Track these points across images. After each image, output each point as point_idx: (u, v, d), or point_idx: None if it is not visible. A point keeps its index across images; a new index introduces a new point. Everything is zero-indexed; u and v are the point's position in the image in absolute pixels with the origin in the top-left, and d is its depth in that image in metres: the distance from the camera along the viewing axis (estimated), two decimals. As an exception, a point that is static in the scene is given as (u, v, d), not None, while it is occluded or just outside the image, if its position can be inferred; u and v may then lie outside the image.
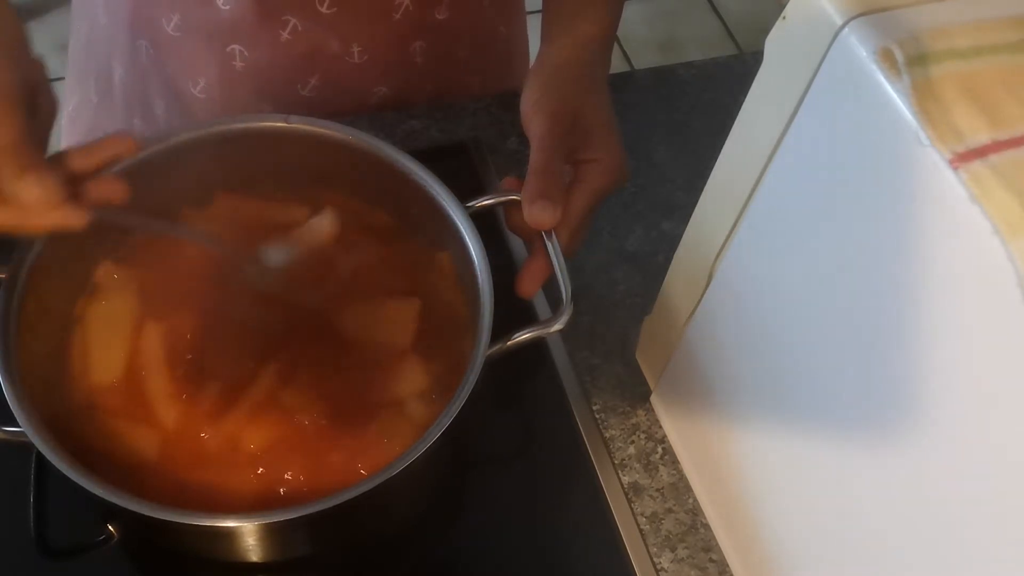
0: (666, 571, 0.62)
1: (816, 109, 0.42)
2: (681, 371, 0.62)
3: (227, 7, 0.73)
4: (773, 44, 0.44)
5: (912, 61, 0.37)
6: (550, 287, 0.60)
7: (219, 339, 0.60)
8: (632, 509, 0.64)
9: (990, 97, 0.37)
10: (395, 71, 0.80)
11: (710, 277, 0.55)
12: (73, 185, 0.49)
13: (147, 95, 0.81)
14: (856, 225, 0.42)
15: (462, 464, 0.66)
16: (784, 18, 0.42)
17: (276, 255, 0.63)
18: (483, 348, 0.55)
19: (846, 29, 0.39)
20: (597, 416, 0.67)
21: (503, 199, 0.62)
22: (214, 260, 0.64)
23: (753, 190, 0.48)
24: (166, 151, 0.62)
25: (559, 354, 0.69)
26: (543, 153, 0.61)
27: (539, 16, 0.71)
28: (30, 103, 0.47)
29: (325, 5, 0.73)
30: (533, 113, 0.63)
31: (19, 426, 0.51)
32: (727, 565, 0.62)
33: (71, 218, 0.48)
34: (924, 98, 0.37)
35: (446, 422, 0.53)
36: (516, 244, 0.72)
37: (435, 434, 0.52)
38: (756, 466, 0.57)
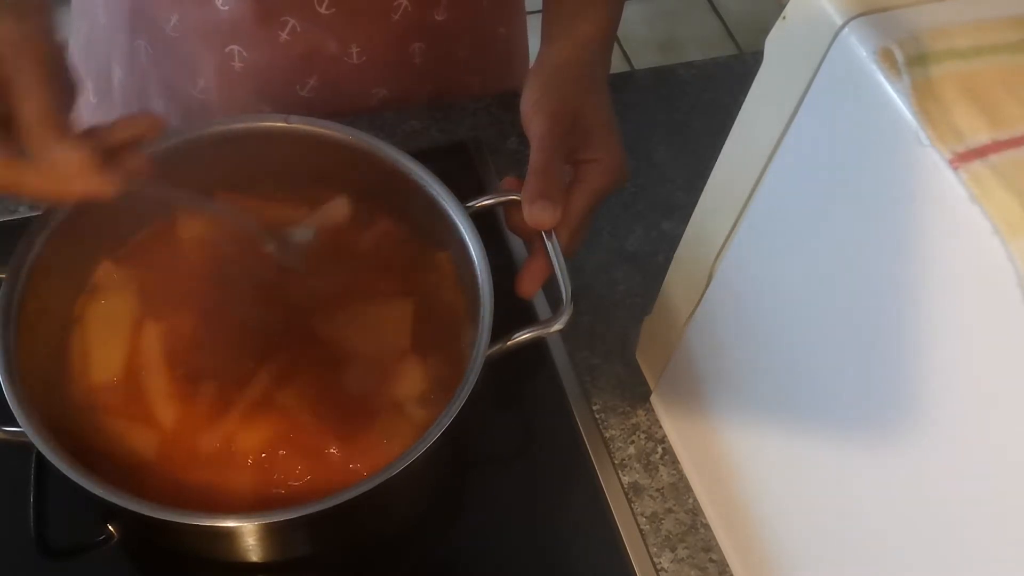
0: (666, 571, 0.62)
1: (816, 109, 0.42)
2: (681, 371, 0.62)
3: (226, 7, 0.73)
4: (773, 44, 0.44)
5: (912, 61, 0.37)
6: (550, 287, 0.60)
7: (218, 339, 0.60)
8: (632, 509, 0.64)
9: (990, 97, 0.37)
10: (394, 72, 0.80)
11: (710, 277, 0.55)
12: (103, 157, 0.50)
13: (146, 95, 0.81)
14: (856, 225, 0.42)
15: (462, 464, 0.66)
16: (784, 18, 0.42)
17: (301, 234, 0.63)
18: (483, 348, 0.55)
19: (846, 29, 0.39)
20: (597, 416, 0.67)
21: (503, 199, 0.62)
22: (214, 260, 0.64)
23: (753, 190, 0.48)
24: (166, 151, 0.62)
25: (559, 354, 0.69)
26: (543, 153, 0.61)
27: (539, 16, 0.71)
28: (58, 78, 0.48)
29: (324, 6, 0.73)
30: (533, 113, 0.63)
31: (19, 426, 0.51)
32: (727, 565, 0.62)
33: (104, 185, 0.48)
34: (924, 98, 0.37)
35: (446, 422, 0.53)
36: (516, 244, 0.72)
37: (435, 434, 0.52)
38: (756, 466, 0.57)
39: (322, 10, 0.73)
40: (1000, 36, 0.38)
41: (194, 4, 0.74)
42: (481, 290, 0.58)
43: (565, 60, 0.66)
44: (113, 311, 0.61)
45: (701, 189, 0.54)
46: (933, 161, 0.36)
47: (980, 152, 0.35)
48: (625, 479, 0.65)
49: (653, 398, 0.68)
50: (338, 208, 0.65)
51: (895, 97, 0.37)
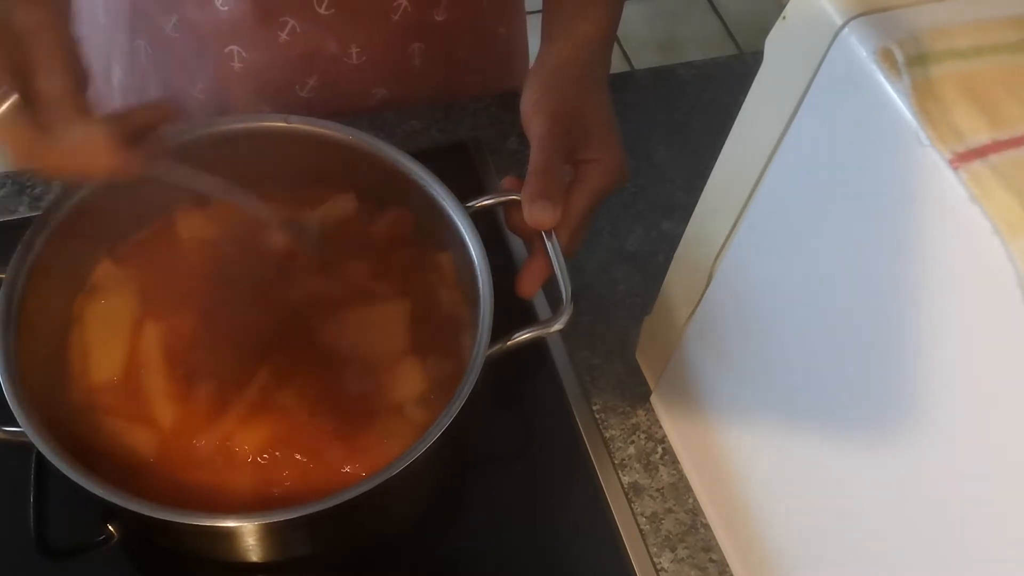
0: (666, 571, 0.62)
1: (816, 109, 0.42)
2: (681, 371, 0.62)
3: (225, 8, 0.73)
4: (773, 44, 0.44)
5: (912, 61, 0.37)
6: (550, 287, 0.60)
7: (218, 339, 0.60)
8: (632, 509, 0.64)
9: (990, 97, 0.37)
10: (394, 72, 0.80)
11: (710, 277, 0.55)
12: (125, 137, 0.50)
13: (146, 96, 0.81)
14: (856, 225, 0.42)
15: (462, 464, 0.66)
16: (784, 18, 0.42)
17: (316, 224, 0.63)
18: (483, 348, 0.55)
19: (846, 29, 0.39)
20: (597, 416, 0.67)
21: (503, 199, 0.62)
22: (213, 260, 0.64)
23: (753, 190, 0.48)
24: (167, 150, 0.62)
25: (559, 354, 0.69)
26: (543, 153, 0.61)
27: (539, 16, 0.71)
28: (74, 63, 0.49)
29: (323, 6, 0.73)
30: (533, 113, 0.63)
31: (19, 426, 0.51)
32: (727, 565, 0.62)
33: (127, 162, 0.49)
34: (924, 98, 0.37)
35: (446, 423, 0.53)
36: (516, 244, 0.72)
37: (435, 435, 0.52)
38: (756, 466, 0.57)
39: (322, 10, 0.73)
40: (1000, 36, 0.38)
41: (194, 4, 0.74)
42: (481, 290, 0.58)
43: (565, 60, 0.66)
44: (113, 311, 0.61)
45: (701, 189, 0.54)
46: (933, 161, 0.36)
47: (980, 152, 0.35)
48: (625, 479, 0.65)
49: (653, 398, 0.68)
50: (343, 204, 0.65)
51: (895, 97, 0.37)
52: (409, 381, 0.60)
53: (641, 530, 0.63)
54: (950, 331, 0.38)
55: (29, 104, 0.45)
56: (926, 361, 0.40)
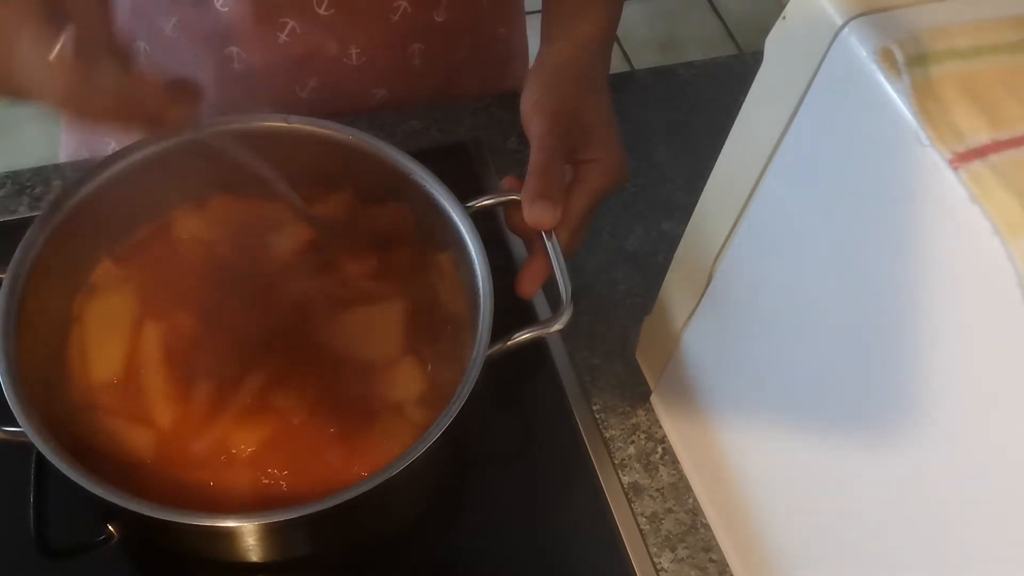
0: (666, 571, 0.62)
1: (816, 109, 0.42)
2: (681, 371, 0.62)
3: (225, 9, 0.73)
4: (773, 44, 0.44)
5: (912, 61, 0.37)
6: (550, 287, 0.60)
7: (217, 339, 0.60)
8: (632, 509, 0.64)
9: (990, 97, 0.37)
10: (393, 73, 0.80)
11: (710, 277, 0.55)
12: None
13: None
14: (856, 225, 0.42)
15: (462, 464, 0.66)
16: (784, 18, 0.42)
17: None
18: (483, 348, 0.55)
19: (846, 29, 0.39)
20: (597, 416, 0.67)
21: (503, 199, 0.62)
22: (213, 260, 0.64)
23: (753, 190, 0.48)
24: (166, 151, 0.62)
25: (559, 354, 0.69)
26: (543, 153, 0.61)
27: (539, 16, 0.71)
28: None
29: (323, 7, 0.73)
30: (533, 113, 0.63)
31: (19, 426, 0.51)
32: (727, 565, 0.62)
33: (175, 114, 0.50)
34: (924, 98, 0.37)
35: (446, 422, 0.53)
36: (516, 244, 0.72)
37: (435, 435, 0.52)
38: (756, 466, 0.57)
39: (321, 11, 0.73)
40: (1000, 36, 0.38)
41: (193, 6, 0.74)
42: (481, 290, 0.58)
43: (565, 60, 0.66)
44: (112, 311, 0.61)
45: (701, 189, 0.54)
46: (933, 161, 0.36)
47: (980, 152, 0.35)
48: (625, 479, 0.65)
49: (653, 398, 0.68)
50: (343, 204, 0.65)
51: (895, 97, 0.37)
52: (409, 381, 0.60)
53: (641, 530, 0.63)
54: (950, 331, 0.38)
55: (77, 49, 0.46)
56: (926, 361, 0.40)
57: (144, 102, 0.48)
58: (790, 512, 0.54)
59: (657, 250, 0.75)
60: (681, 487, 0.65)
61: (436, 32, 0.79)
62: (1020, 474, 0.36)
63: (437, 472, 0.63)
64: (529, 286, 0.62)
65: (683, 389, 0.63)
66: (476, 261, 0.59)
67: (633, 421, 0.68)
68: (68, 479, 0.50)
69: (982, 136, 0.36)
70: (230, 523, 0.51)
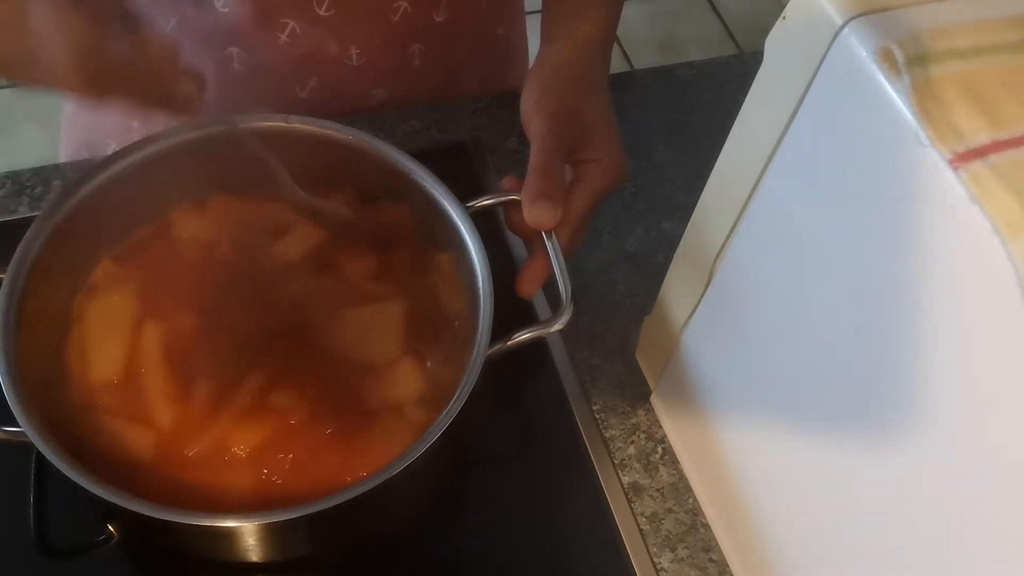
0: (666, 571, 0.62)
1: (816, 109, 0.42)
2: (681, 371, 0.62)
3: (225, 9, 0.73)
4: (773, 44, 0.44)
5: (912, 61, 0.37)
6: (550, 287, 0.60)
7: (217, 339, 0.60)
8: (632, 509, 0.64)
9: (990, 97, 0.37)
10: (393, 73, 0.80)
11: (710, 277, 0.55)
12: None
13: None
14: (856, 225, 0.42)
15: (462, 464, 0.66)
16: (784, 18, 0.42)
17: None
18: (483, 348, 0.55)
19: (846, 29, 0.39)
20: (597, 416, 0.67)
21: (503, 199, 0.62)
22: (212, 260, 0.64)
23: (753, 190, 0.48)
24: (166, 151, 0.62)
25: (559, 354, 0.69)
26: (543, 153, 0.61)
27: (539, 16, 0.71)
28: None
29: (323, 7, 0.73)
30: (533, 113, 0.63)
31: (19, 426, 0.51)
32: (727, 565, 0.62)
33: (188, 88, 0.50)
34: (924, 98, 0.37)
35: (446, 423, 0.53)
36: (516, 244, 0.72)
37: (435, 435, 0.52)
38: (756, 466, 0.57)
39: (321, 12, 0.73)
40: (1000, 36, 0.38)
41: (193, 6, 0.74)
42: (481, 290, 0.58)
43: (565, 60, 0.66)
44: (112, 310, 0.61)
45: (701, 189, 0.54)
46: (933, 161, 0.36)
47: (980, 152, 0.35)
48: (625, 479, 0.65)
49: (653, 398, 0.68)
50: (343, 204, 0.65)
51: (895, 97, 0.37)
52: (409, 381, 0.60)
53: (641, 530, 0.63)
54: (950, 331, 0.38)
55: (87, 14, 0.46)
56: (926, 361, 0.40)
57: (155, 67, 0.48)
58: (790, 512, 0.54)
59: (657, 250, 0.75)
60: (681, 487, 0.65)
61: (436, 32, 0.79)
62: (1020, 474, 0.36)
63: (437, 472, 0.63)
64: (529, 286, 0.62)
65: (683, 389, 0.63)
66: (476, 261, 0.59)
67: (633, 421, 0.68)
68: (68, 479, 0.50)
69: (982, 136, 0.36)
70: (230, 523, 0.51)
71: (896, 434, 0.43)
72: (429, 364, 0.61)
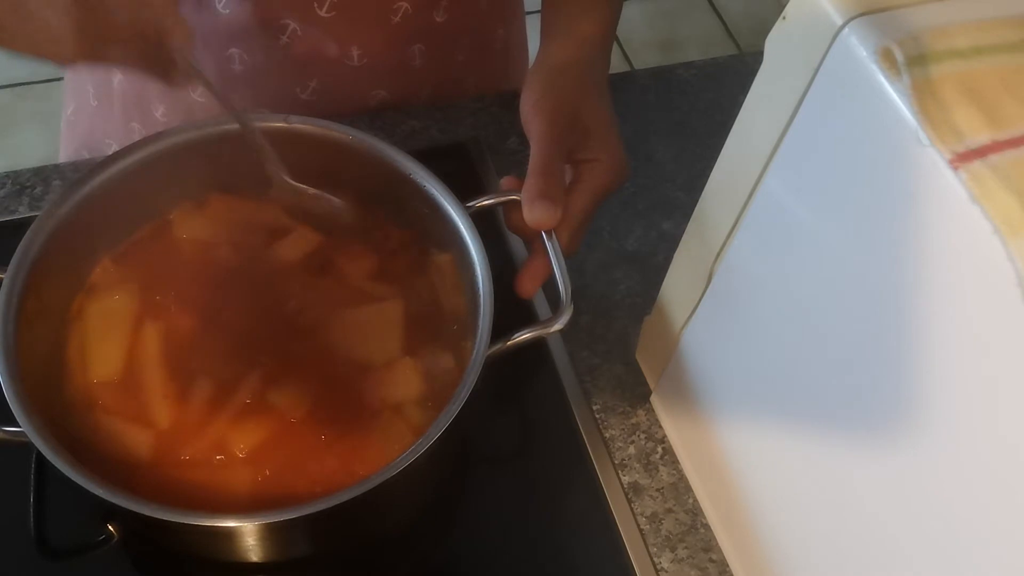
0: (666, 571, 0.62)
1: (816, 109, 0.42)
2: (681, 371, 0.62)
3: (226, 11, 0.73)
4: (773, 44, 0.44)
5: (912, 61, 0.37)
6: (550, 287, 0.60)
7: (216, 339, 0.60)
8: (632, 509, 0.64)
9: (990, 97, 0.37)
10: (394, 74, 0.80)
11: (710, 277, 0.55)
12: None
13: (146, 99, 0.81)
14: (856, 225, 0.42)
15: (462, 464, 0.66)
16: (784, 18, 0.42)
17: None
18: (483, 348, 0.55)
19: (846, 29, 0.39)
20: (597, 416, 0.67)
21: (503, 199, 0.62)
22: (212, 259, 0.64)
23: (753, 190, 0.48)
24: (166, 151, 0.62)
25: (559, 354, 0.69)
26: (543, 153, 0.61)
27: (539, 16, 0.71)
28: None
29: (324, 8, 0.73)
30: (533, 113, 0.63)
31: (19, 426, 0.51)
32: (727, 565, 0.62)
33: (184, 37, 0.51)
34: (924, 98, 0.37)
35: (446, 423, 0.53)
36: (516, 244, 0.72)
37: (435, 435, 0.52)
38: (756, 466, 0.57)
39: (322, 13, 0.73)
40: (1000, 36, 0.38)
41: (194, 8, 0.74)
42: (481, 290, 0.58)
43: (565, 60, 0.66)
44: (112, 310, 0.61)
45: (701, 189, 0.54)
46: (933, 161, 0.36)
47: (980, 152, 0.35)
48: (625, 479, 0.65)
49: (653, 398, 0.68)
50: (342, 204, 0.65)
51: (895, 97, 0.37)
52: (409, 381, 0.60)
53: (641, 530, 0.63)
54: (950, 331, 0.38)
55: None
56: (926, 361, 0.40)
57: (149, 19, 0.48)
58: (790, 512, 0.54)
59: (657, 250, 0.75)
60: (681, 487, 0.65)
61: (436, 33, 0.79)
62: (1021, 474, 0.36)
63: (437, 472, 0.63)
64: (529, 286, 0.62)
65: (683, 389, 0.63)
66: (476, 261, 0.59)
67: (633, 421, 0.68)
68: (68, 479, 0.50)
69: (982, 136, 0.36)
70: (230, 523, 0.51)
71: (896, 433, 0.43)
72: (429, 364, 0.61)
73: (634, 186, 0.78)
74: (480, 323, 0.56)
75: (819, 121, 0.42)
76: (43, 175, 0.75)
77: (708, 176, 0.53)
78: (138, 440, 0.57)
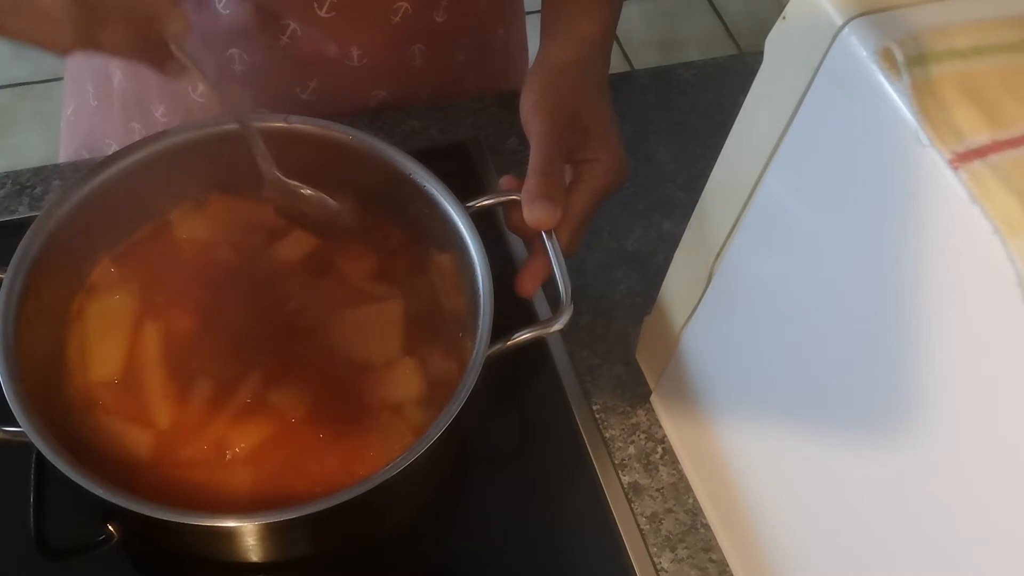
0: (666, 571, 0.62)
1: (816, 109, 0.42)
2: (681, 371, 0.62)
3: (226, 11, 0.73)
4: (773, 44, 0.44)
5: (912, 61, 0.37)
6: (550, 287, 0.60)
7: (216, 339, 0.60)
8: (632, 509, 0.64)
9: (990, 97, 0.37)
10: (394, 74, 0.80)
11: (710, 277, 0.55)
12: None
13: (145, 99, 0.81)
14: (856, 225, 0.42)
15: (462, 464, 0.66)
16: (784, 18, 0.42)
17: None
18: (483, 348, 0.55)
19: (846, 29, 0.39)
20: (597, 416, 0.67)
21: (503, 199, 0.62)
22: (212, 260, 0.64)
23: (753, 190, 0.48)
24: (166, 151, 0.62)
25: (559, 354, 0.69)
26: (543, 153, 0.61)
27: (539, 16, 0.71)
28: None
29: (324, 9, 0.73)
30: (533, 113, 0.63)
31: (19, 426, 0.51)
32: (727, 565, 0.62)
33: (180, 24, 0.51)
34: (924, 98, 0.37)
35: (446, 423, 0.53)
36: (516, 244, 0.72)
37: (435, 435, 0.52)
38: (756, 466, 0.57)
39: (322, 13, 0.73)
40: (1000, 36, 0.38)
41: (194, 8, 0.74)
42: (481, 290, 0.58)
43: (565, 60, 0.66)
44: (112, 310, 0.61)
45: (701, 189, 0.54)
46: (933, 161, 0.36)
47: (980, 152, 0.35)
48: (625, 479, 0.65)
49: (653, 398, 0.68)
50: (342, 204, 0.65)
51: (895, 97, 0.37)
52: (409, 381, 0.60)
53: (641, 530, 0.63)
54: (950, 331, 0.38)
55: None
56: (926, 361, 0.40)
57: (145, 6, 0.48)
58: (790, 512, 0.54)
59: (657, 250, 0.75)
60: (681, 487, 0.65)
61: (436, 33, 0.79)
62: (1021, 474, 0.36)
63: (437, 472, 0.63)
64: (529, 286, 0.62)
65: (683, 389, 0.63)
66: (476, 261, 0.59)
67: (633, 421, 0.68)
68: (68, 479, 0.50)
69: (982, 136, 0.36)
70: (230, 523, 0.51)
71: (896, 433, 0.43)
72: (429, 364, 0.61)
73: (634, 186, 0.78)
74: (480, 323, 0.56)
75: (819, 121, 0.42)
76: (43, 175, 0.75)
77: (708, 176, 0.53)
78: (138, 440, 0.57)
